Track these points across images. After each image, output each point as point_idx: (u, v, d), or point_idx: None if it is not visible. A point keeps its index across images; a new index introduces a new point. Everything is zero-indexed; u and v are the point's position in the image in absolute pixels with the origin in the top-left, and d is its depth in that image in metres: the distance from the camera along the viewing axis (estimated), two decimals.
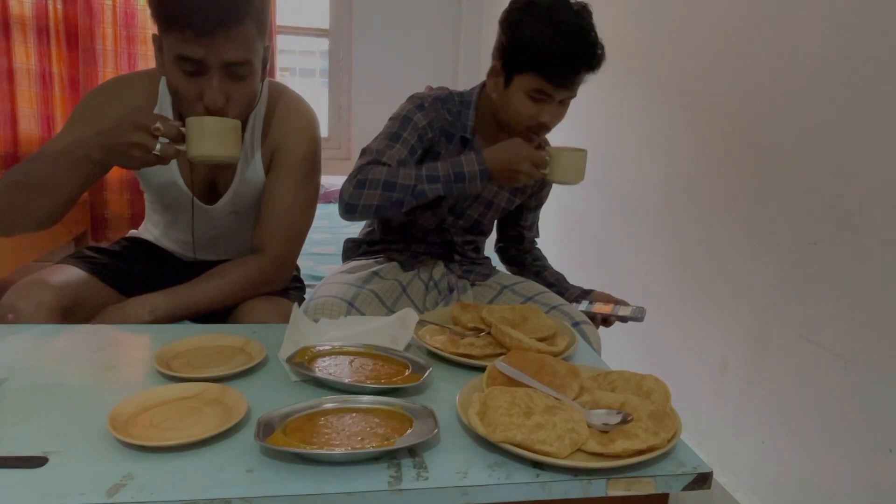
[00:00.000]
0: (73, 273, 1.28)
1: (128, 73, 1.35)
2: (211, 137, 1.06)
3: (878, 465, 1.23)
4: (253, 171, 1.34)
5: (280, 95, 1.34)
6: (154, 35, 1.18)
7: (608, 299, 1.52)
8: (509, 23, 1.32)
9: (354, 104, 3.70)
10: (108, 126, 1.09)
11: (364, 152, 1.37)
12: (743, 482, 1.59)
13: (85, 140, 1.10)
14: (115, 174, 3.37)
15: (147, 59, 3.32)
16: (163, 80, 1.28)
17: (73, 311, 1.19)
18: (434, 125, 1.41)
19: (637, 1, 2.16)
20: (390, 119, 1.41)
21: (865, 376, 1.26)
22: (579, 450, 0.78)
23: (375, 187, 1.27)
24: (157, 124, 1.04)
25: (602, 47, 1.32)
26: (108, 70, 3.27)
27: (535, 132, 1.36)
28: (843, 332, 1.31)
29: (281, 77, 3.56)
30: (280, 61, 3.50)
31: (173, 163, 1.30)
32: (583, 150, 1.30)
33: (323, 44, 3.73)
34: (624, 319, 1.46)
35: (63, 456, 0.73)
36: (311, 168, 1.35)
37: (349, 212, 1.32)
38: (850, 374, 1.29)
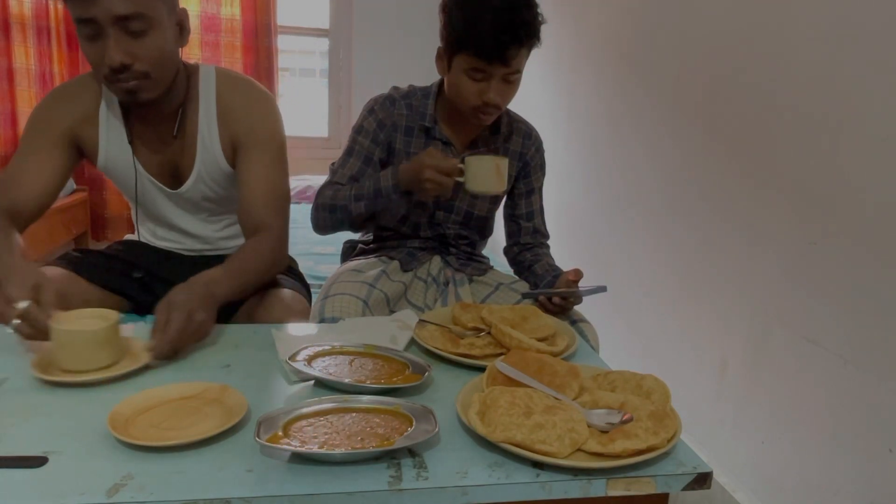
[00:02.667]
0: (51, 271, 1.29)
1: (72, 78, 1.38)
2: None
3: (878, 465, 1.23)
4: (209, 154, 1.35)
5: (232, 80, 1.36)
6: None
7: (567, 284, 1.38)
8: (445, 6, 1.36)
9: (354, 104, 3.70)
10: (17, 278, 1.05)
11: (329, 171, 1.48)
12: (743, 482, 1.59)
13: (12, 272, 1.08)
14: None
15: None
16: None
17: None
18: (385, 123, 1.46)
19: (637, 1, 2.16)
20: (351, 129, 1.50)
21: (865, 376, 1.26)
22: (579, 450, 0.78)
23: (324, 210, 1.42)
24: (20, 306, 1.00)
25: (536, 21, 1.32)
26: None
27: (482, 112, 1.37)
28: (843, 332, 1.31)
29: (281, 77, 3.55)
30: (280, 61, 3.50)
31: (126, 147, 1.34)
32: (500, 158, 1.30)
33: (323, 44, 3.73)
34: (574, 295, 1.35)
35: (63, 456, 0.73)
36: (283, 143, 1.39)
37: (317, 231, 1.48)
38: (850, 374, 1.29)
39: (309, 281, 1.62)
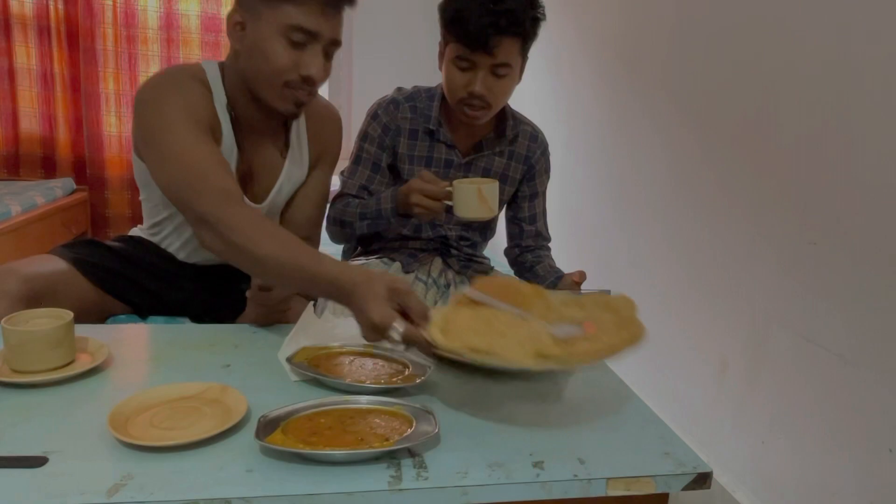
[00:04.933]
0: (51, 263, 1.25)
1: (171, 69, 1.27)
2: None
3: (878, 465, 1.23)
4: (299, 170, 1.37)
5: (318, 99, 1.36)
6: (232, 11, 1.18)
7: (571, 285, 1.39)
8: (441, 1, 1.37)
9: (354, 106, 3.70)
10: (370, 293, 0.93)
11: (340, 181, 1.51)
12: (743, 482, 1.59)
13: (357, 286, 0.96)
14: (115, 173, 3.38)
15: (147, 59, 3.32)
16: (206, 69, 1.25)
17: (39, 301, 1.15)
18: (390, 128, 1.46)
19: (637, 1, 2.16)
20: (357, 136, 1.51)
21: (865, 376, 1.26)
22: (541, 356, 0.76)
23: (334, 224, 1.45)
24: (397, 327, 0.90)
25: (527, 13, 1.31)
26: (108, 70, 3.27)
27: (467, 104, 1.36)
28: (843, 332, 1.31)
29: None
30: None
31: (232, 152, 1.29)
32: (487, 183, 1.25)
33: None
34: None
35: (63, 456, 0.73)
36: (337, 158, 1.46)
37: (333, 242, 1.55)
38: (849, 374, 1.29)
39: None
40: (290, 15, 1.13)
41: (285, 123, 1.34)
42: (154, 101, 1.17)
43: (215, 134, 1.22)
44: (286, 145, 1.35)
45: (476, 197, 1.22)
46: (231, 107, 1.25)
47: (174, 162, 1.12)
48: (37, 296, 1.16)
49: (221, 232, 1.05)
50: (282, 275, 1.03)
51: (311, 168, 1.40)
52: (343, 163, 1.53)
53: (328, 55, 1.21)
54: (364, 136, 1.48)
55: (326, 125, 1.40)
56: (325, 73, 1.21)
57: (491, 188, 1.24)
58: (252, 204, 1.30)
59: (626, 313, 0.86)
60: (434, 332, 0.79)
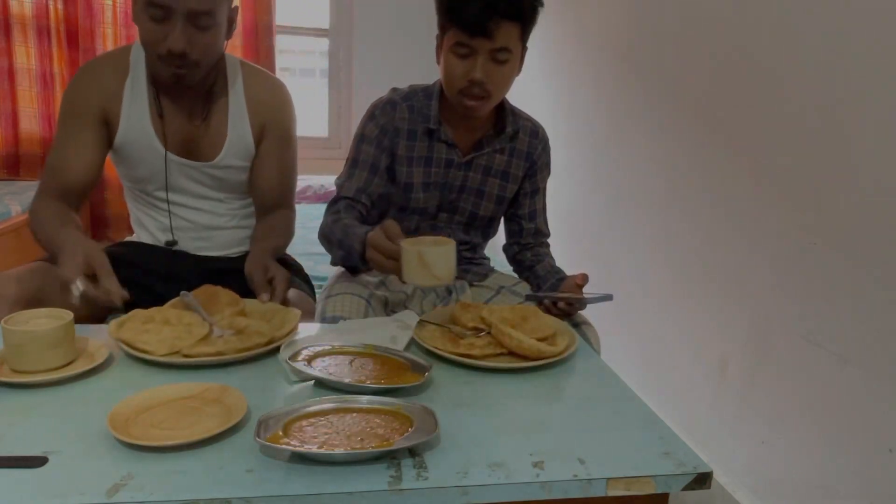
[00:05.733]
0: (42, 267, 1.30)
1: (97, 56, 1.48)
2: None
3: (878, 465, 1.23)
4: (242, 134, 1.45)
5: (257, 71, 1.50)
6: None
7: (573, 288, 1.35)
8: None
9: (355, 104, 3.70)
10: (68, 256, 1.12)
11: (336, 185, 1.46)
12: (743, 482, 1.59)
13: (63, 250, 1.15)
14: (115, 173, 3.37)
15: None
16: (132, 50, 1.39)
17: (38, 303, 1.18)
18: (388, 129, 1.42)
19: (638, 1, 2.16)
20: (353, 138, 1.47)
21: (865, 376, 1.26)
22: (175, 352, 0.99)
23: (323, 239, 1.40)
24: (78, 285, 1.06)
25: None
26: None
27: (467, 94, 1.33)
28: (843, 333, 1.31)
29: (281, 76, 3.55)
30: (280, 61, 3.49)
31: (147, 123, 1.39)
32: (439, 245, 1.06)
33: (323, 44, 3.72)
34: (579, 302, 1.32)
35: (63, 456, 0.73)
36: (294, 132, 1.55)
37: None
38: (849, 374, 1.29)
39: (311, 281, 1.62)
40: None
41: (211, 91, 1.42)
42: (62, 96, 1.40)
43: (110, 115, 1.37)
44: (227, 113, 1.44)
45: (416, 262, 1.03)
46: (154, 81, 1.37)
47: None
48: (33, 297, 1.20)
49: (29, 221, 1.32)
50: (43, 245, 1.26)
51: (260, 138, 1.47)
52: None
53: (199, 26, 1.25)
54: (361, 138, 1.44)
55: (265, 94, 1.47)
56: (194, 46, 1.27)
57: (436, 253, 1.04)
58: (204, 163, 1.44)
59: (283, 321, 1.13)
60: (112, 325, 1.01)
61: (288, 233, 1.53)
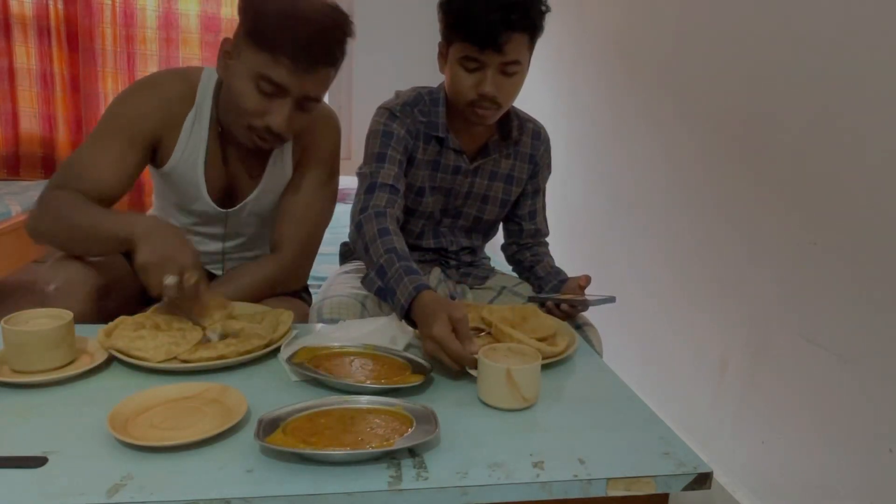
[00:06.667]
0: (111, 257, 1.26)
1: (163, 70, 1.35)
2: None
3: (878, 465, 1.23)
4: (280, 172, 1.35)
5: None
6: (226, 39, 1.19)
7: (576, 290, 1.35)
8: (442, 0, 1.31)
9: (354, 104, 3.70)
10: (162, 242, 1.05)
11: (360, 177, 1.34)
12: (743, 482, 1.59)
13: (131, 234, 1.07)
14: None
15: (146, 59, 3.32)
16: (202, 78, 1.28)
17: (109, 291, 1.19)
18: (412, 132, 1.38)
19: (638, 1, 2.16)
20: (369, 137, 1.38)
21: (865, 376, 1.26)
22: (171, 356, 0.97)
23: (361, 250, 1.25)
24: (171, 280, 1.02)
25: (536, 6, 1.26)
26: (107, 70, 3.27)
27: (477, 107, 1.30)
28: (843, 332, 1.31)
29: None
30: None
31: (199, 167, 1.29)
32: (530, 364, 0.90)
33: None
34: (581, 304, 1.32)
35: (63, 456, 0.73)
36: (334, 166, 1.39)
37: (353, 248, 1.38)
38: (849, 374, 1.29)
39: (310, 282, 1.61)
40: (263, 63, 1.13)
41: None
42: (115, 101, 1.26)
43: (163, 143, 1.26)
44: (269, 152, 1.33)
45: (504, 382, 0.89)
46: (218, 118, 1.28)
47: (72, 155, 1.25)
48: (106, 284, 1.20)
49: (35, 209, 1.19)
50: (75, 237, 1.15)
51: (296, 166, 1.36)
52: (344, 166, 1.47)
53: (303, 108, 1.20)
54: (387, 135, 1.35)
55: (313, 124, 1.34)
56: (292, 126, 1.20)
57: (527, 372, 0.89)
58: (221, 209, 1.33)
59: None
60: (100, 334, 0.99)
61: (257, 275, 1.30)
